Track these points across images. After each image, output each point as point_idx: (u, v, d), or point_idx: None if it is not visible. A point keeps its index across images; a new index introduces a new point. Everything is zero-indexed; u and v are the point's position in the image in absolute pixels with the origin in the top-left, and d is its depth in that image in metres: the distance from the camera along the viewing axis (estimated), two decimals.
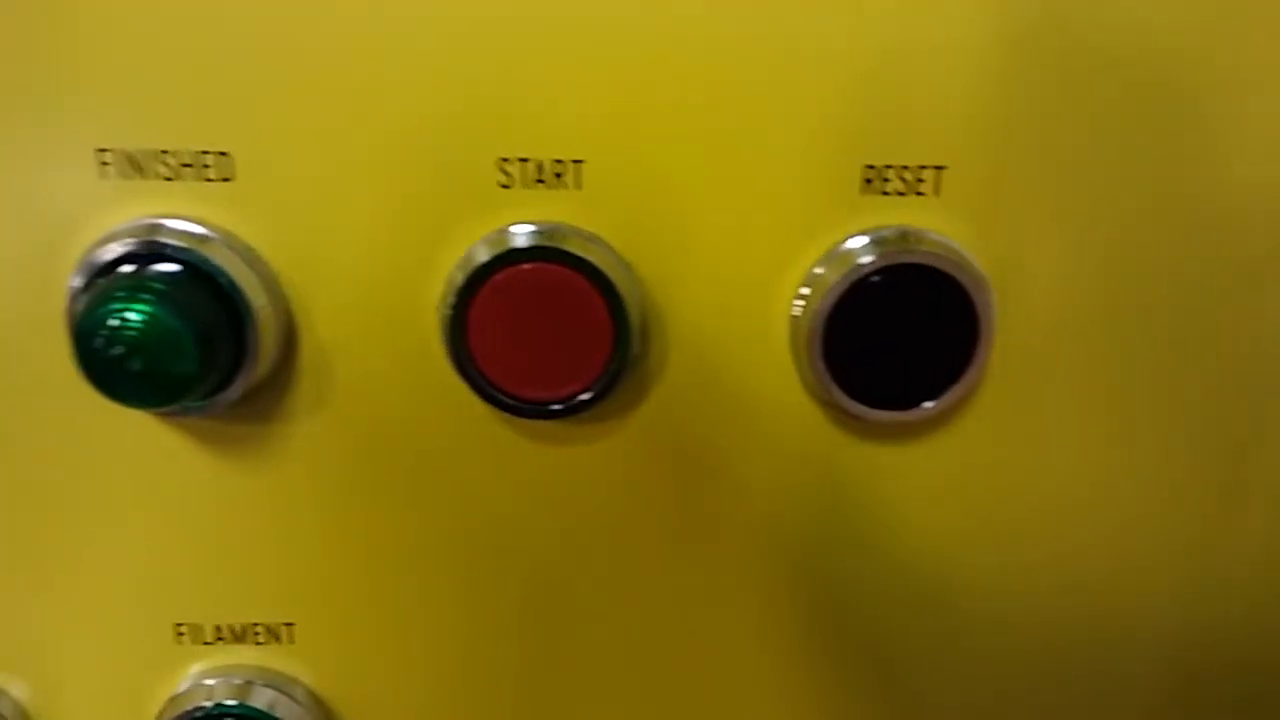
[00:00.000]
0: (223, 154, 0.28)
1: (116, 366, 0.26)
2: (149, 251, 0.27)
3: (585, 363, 0.29)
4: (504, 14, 0.27)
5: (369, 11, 0.27)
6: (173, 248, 0.27)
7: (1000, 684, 0.34)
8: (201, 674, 0.34)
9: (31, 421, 0.30)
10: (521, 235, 0.28)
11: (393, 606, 0.33)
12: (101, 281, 0.27)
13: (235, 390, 0.29)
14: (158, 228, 0.28)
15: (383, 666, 0.34)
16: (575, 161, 0.28)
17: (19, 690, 0.34)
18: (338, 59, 0.27)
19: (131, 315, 0.26)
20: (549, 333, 0.28)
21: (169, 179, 0.28)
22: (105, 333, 0.26)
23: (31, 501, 0.31)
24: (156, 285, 0.27)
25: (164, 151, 0.28)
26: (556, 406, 0.29)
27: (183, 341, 0.26)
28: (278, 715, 0.33)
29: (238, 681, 0.34)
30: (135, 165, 0.28)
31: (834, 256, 0.29)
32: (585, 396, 0.29)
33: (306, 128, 0.28)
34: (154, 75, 0.27)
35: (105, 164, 0.28)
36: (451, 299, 0.28)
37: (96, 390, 0.27)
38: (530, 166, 0.28)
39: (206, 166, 0.28)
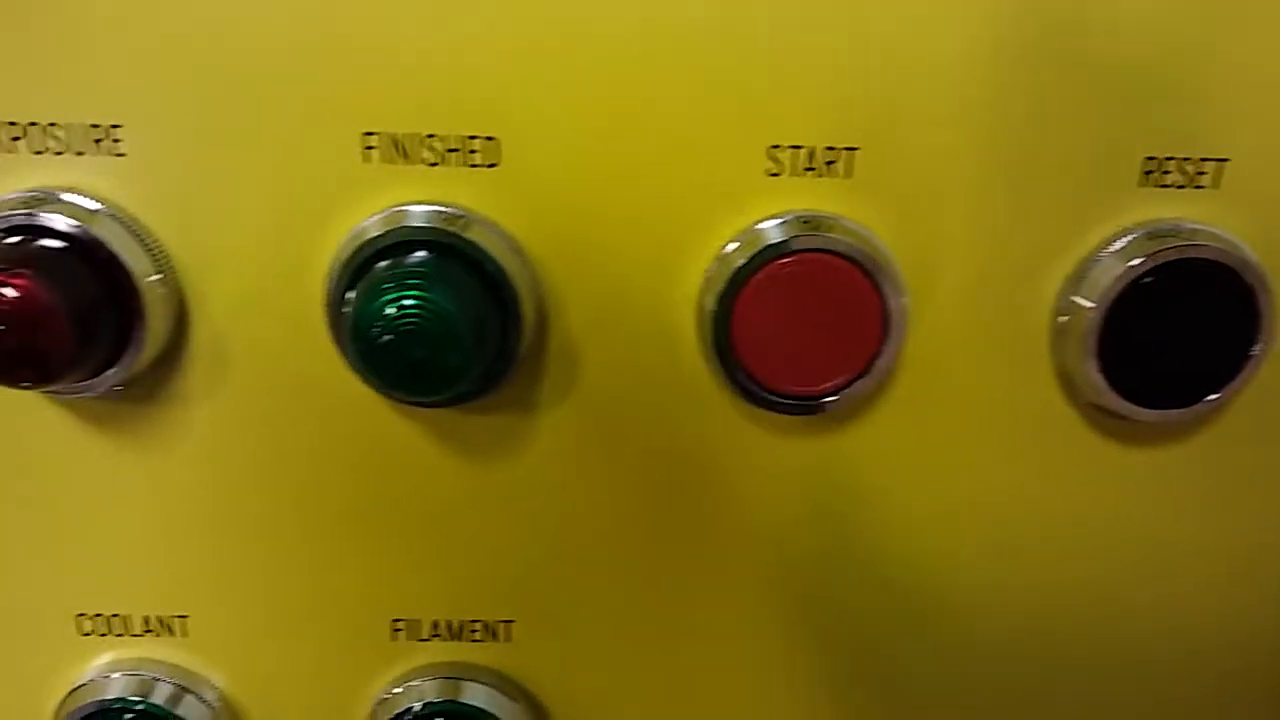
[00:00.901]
0: (490, 139, 0.27)
1: (397, 355, 0.26)
2: (413, 239, 0.27)
3: (853, 355, 0.28)
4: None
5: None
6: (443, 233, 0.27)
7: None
8: (412, 673, 0.33)
9: None
10: (789, 226, 0.28)
11: (610, 605, 0.32)
12: (379, 268, 0.26)
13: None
14: (421, 213, 0.27)
15: (598, 667, 0.33)
16: (848, 149, 0.27)
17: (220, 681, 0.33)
18: (611, 53, 0.27)
19: (409, 302, 0.26)
20: (818, 325, 0.28)
21: (434, 164, 0.27)
22: (383, 322, 0.25)
23: None
24: (426, 272, 0.26)
25: (430, 136, 0.27)
26: (828, 399, 0.28)
27: (458, 329, 0.26)
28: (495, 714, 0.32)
29: (448, 679, 0.33)
30: (400, 150, 0.27)
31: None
32: (849, 389, 0.28)
33: (568, 115, 0.27)
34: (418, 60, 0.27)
35: (370, 148, 0.27)
36: (719, 291, 0.27)
37: (375, 382, 0.26)
38: (802, 154, 0.28)
39: (473, 152, 0.27)
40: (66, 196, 0.27)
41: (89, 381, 0.28)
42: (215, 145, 0.27)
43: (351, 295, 0.26)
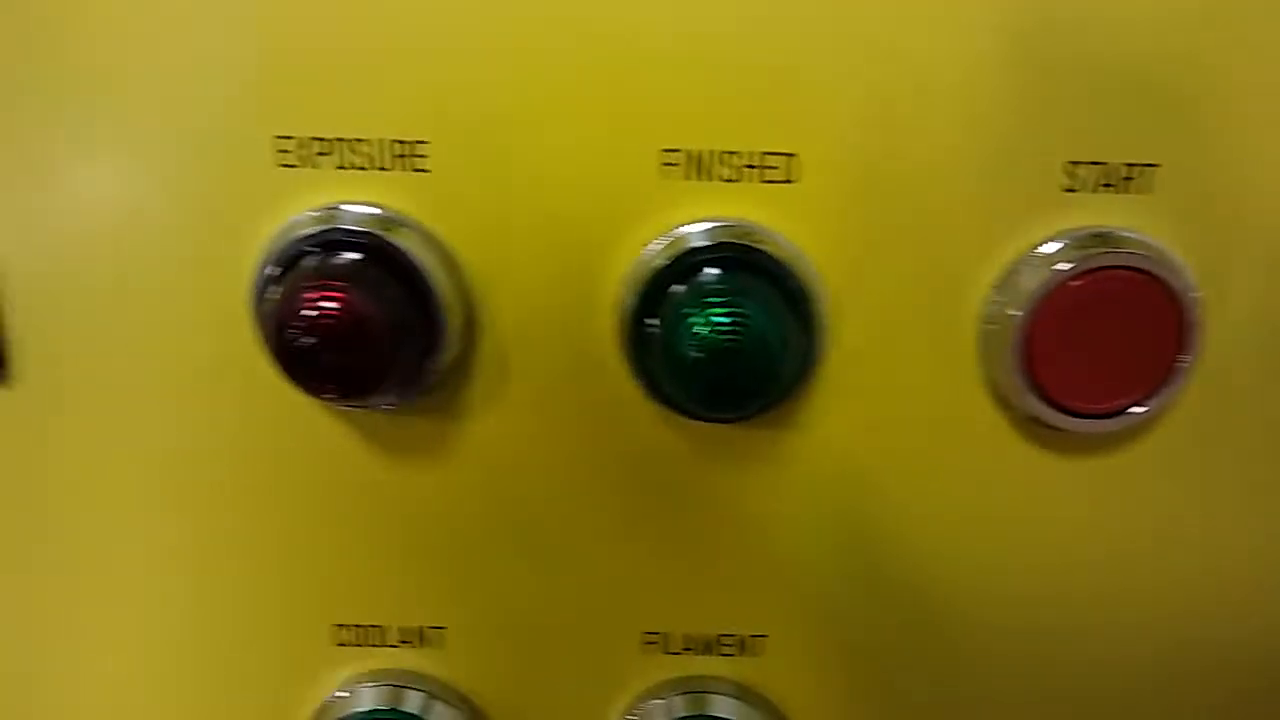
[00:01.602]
0: (790, 155, 0.27)
1: (712, 372, 0.26)
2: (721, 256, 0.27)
3: (1148, 371, 0.28)
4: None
5: None
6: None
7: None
8: (659, 687, 0.33)
9: None
10: (1085, 242, 0.28)
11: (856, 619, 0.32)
12: (696, 283, 0.26)
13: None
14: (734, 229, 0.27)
15: (845, 684, 0.33)
16: (1148, 165, 0.27)
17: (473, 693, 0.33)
18: (910, 72, 0.27)
19: (726, 320, 0.26)
20: (1115, 342, 0.28)
21: (730, 180, 0.28)
22: (698, 340, 0.26)
23: None
24: (739, 288, 0.26)
25: (729, 153, 0.27)
26: (1114, 416, 0.28)
27: (772, 344, 0.26)
28: None
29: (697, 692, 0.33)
30: (699, 166, 0.28)
31: None
32: (1139, 407, 0.28)
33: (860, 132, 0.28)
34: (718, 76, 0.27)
35: (670, 165, 0.28)
36: (1013, 309, 0.27)
37: (682, 398, 0.26)
38: (1098, 170, 0.28)
39: (773, 168, 0.28)
40: (372, 211, 0.28)
41: (382, 396, 0.28)
42: (516, 163, 0.28)
43: (655, 317, 0.27)
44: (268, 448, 0.30)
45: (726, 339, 0.25)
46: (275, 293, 0.27)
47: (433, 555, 0.32)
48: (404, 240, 0.27)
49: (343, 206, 0.28)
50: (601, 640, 0.33)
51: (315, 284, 0.26)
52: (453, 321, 0.28)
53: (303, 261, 0.27)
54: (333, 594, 0.32)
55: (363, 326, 0.26)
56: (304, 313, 0.26)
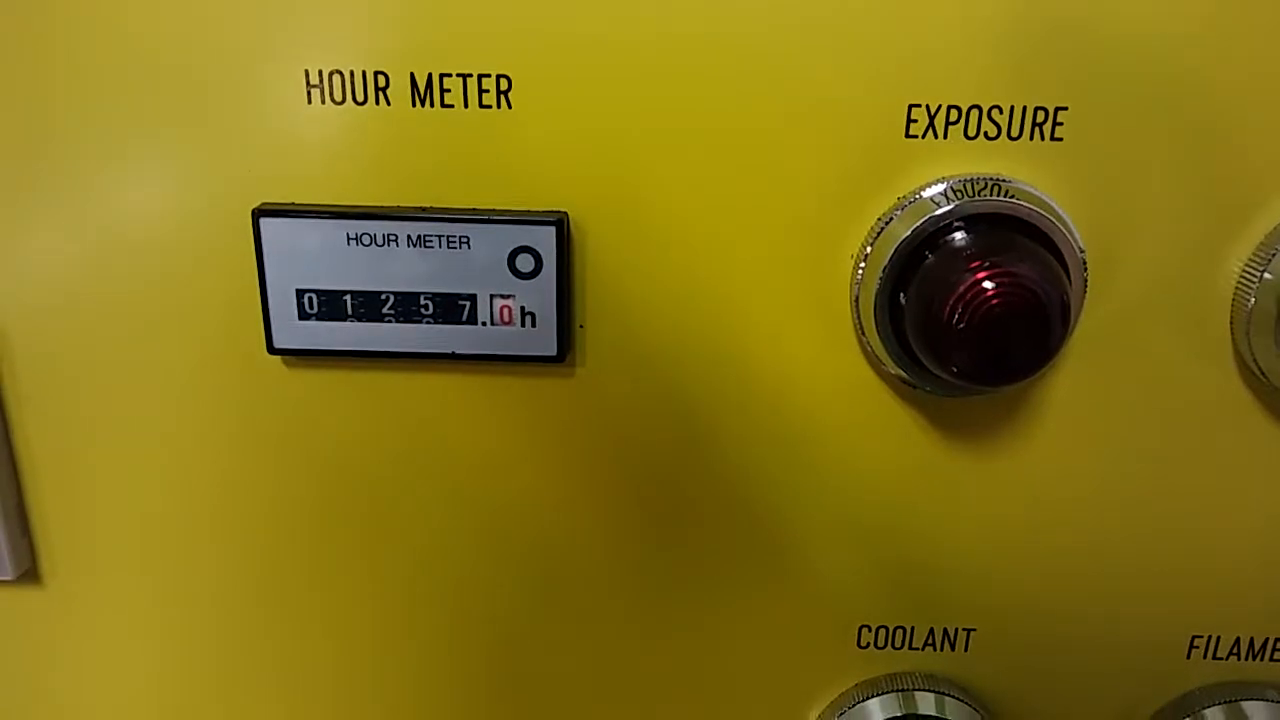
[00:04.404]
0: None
1: None
2: None
3: None
4: None
5: None
6: None
7: None
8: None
9: None
10: None
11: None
12: None
13: None
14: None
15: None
16: None
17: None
18: None
19: None
20: None
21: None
22: None
23: None
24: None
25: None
26: None
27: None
28: None
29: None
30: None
31: None
32: None
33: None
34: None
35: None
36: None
37: None
38: None
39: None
40: (1018, 184, 0.26)
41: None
42: (1150, 137, 0.26)
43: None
44: None
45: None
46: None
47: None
48: (1043, 210, 0.26)
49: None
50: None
51: (981, 263, 0.24)
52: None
53: (949, 240, 0.25)
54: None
55: (1038, 296, 0.24)
56: (981, 290, 0.24)
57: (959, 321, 0.24)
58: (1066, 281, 0.26)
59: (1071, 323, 0.26)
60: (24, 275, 0.28)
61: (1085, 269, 0.27)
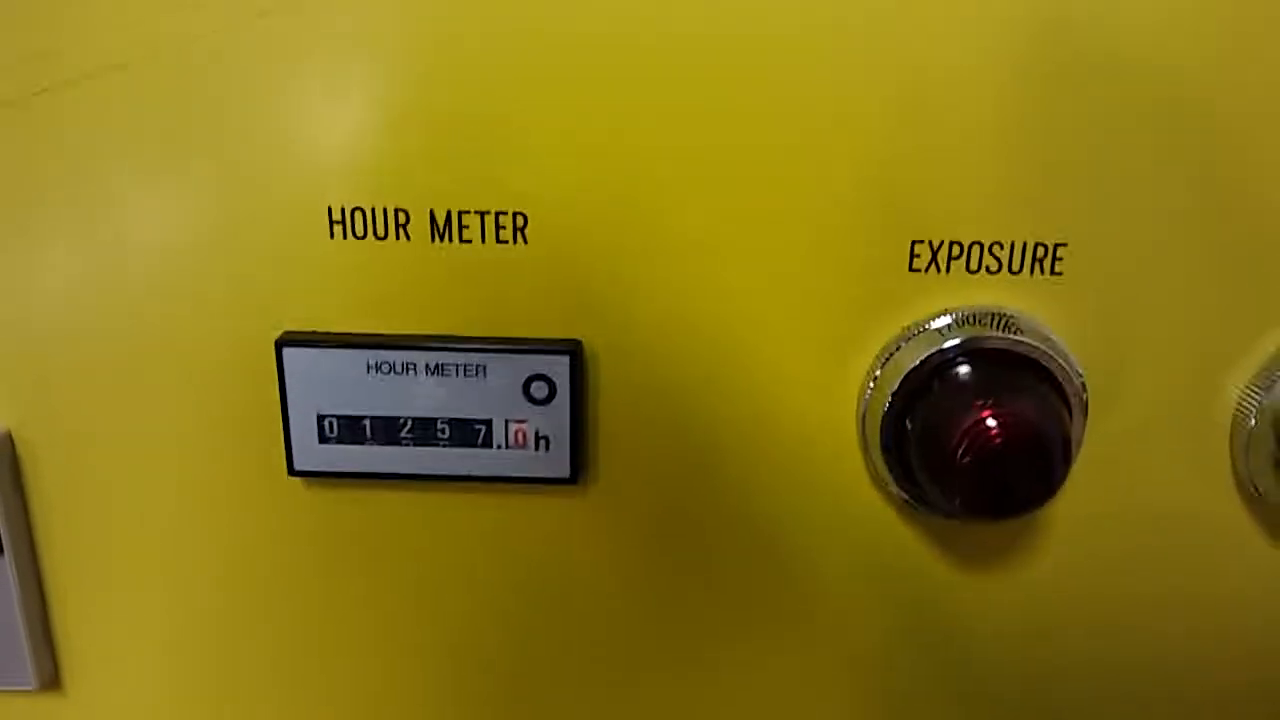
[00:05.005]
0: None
1: None
2: None
3: None
4: None
5: None
6: None
7: None
8: None
9: None
10: None
11: None
12: None
13: None
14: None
15: None
16: None
17: None
18: None
19: None
20: None
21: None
22: None
23: None
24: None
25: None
26: None
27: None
28: None
29: None
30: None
31: None
32: None
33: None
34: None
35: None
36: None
37: None
38: None
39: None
40: (1021, 319, 0.27)
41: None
42: (1149, 270, 0.27)
43: None
44: None
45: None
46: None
47: None
48: (1045, 346, 0.26)
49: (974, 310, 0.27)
50: None
51: (985, 401, 0.25)
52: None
53: (955, 373, 0.26)
54: None
55: (1041, 435, 0.25)
56: (985, 428, 0.25)
57: (964, 455, 0.25)
58: (1068, 418, 0.26)
59: (1072, 457, 0.26)
60: (50, 388, 0.29)
61: (1085, 399, 0.27)
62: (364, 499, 0.30)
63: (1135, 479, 0.29)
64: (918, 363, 0.27)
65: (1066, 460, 0.25)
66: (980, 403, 0.25)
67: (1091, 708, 0.31)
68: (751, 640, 0.31)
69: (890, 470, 0.28)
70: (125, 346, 0.29)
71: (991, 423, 0.25)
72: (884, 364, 0.28)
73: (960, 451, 0.25)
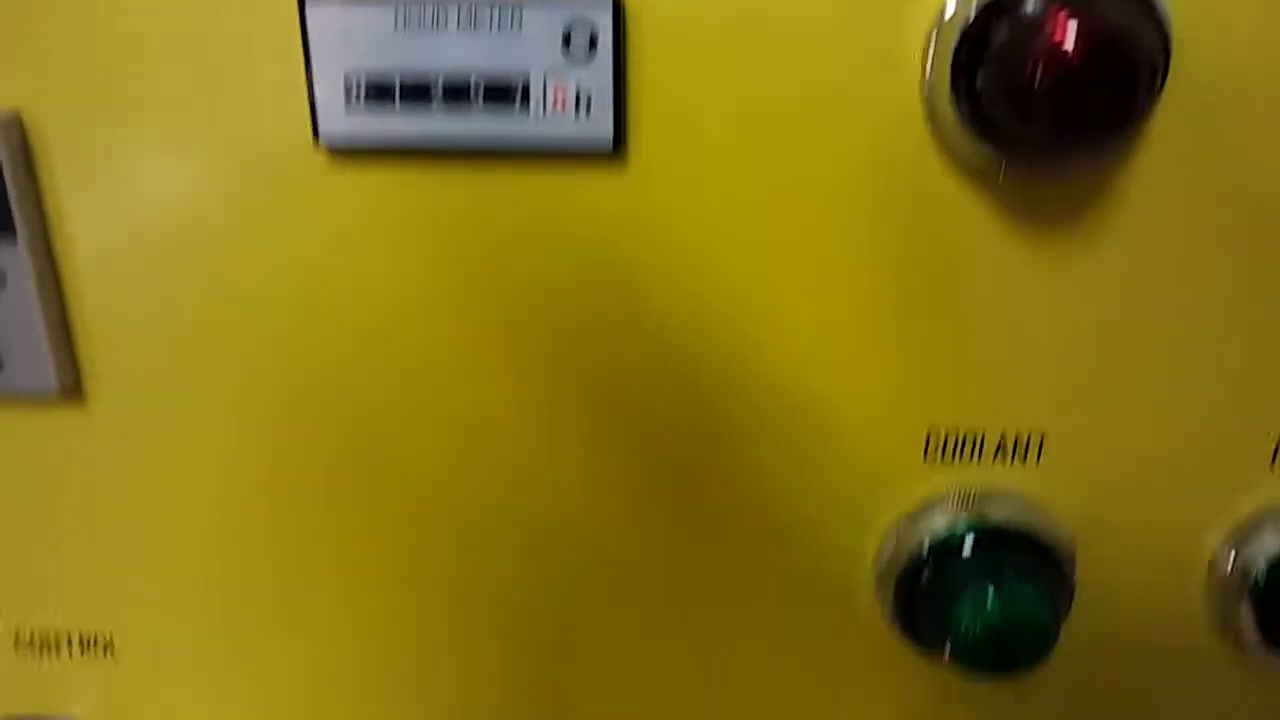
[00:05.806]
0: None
1: None
2: None
3: None
4: None
5: None
6: None
7: None
8: None
9: None
10: None
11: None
12: None
13: None
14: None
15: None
16: None
17: None
18: None
19: None
20: None
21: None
22: None
23: None
24: None
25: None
26: None
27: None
28: None
29: None
30: None
31: None
32: None
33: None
34: None
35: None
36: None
37: None
38: None
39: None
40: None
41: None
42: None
43: None
44: None
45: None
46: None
47: None
48: None
49: None
50: None
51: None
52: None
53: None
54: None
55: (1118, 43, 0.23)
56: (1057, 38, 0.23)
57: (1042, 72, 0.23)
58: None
59: (1156, 89, 0.24)
60: (54, 58, 0.28)
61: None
62: (394, 179, 0.28)
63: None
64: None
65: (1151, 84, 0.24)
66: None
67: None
68: None
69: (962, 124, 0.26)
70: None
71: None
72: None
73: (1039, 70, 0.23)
